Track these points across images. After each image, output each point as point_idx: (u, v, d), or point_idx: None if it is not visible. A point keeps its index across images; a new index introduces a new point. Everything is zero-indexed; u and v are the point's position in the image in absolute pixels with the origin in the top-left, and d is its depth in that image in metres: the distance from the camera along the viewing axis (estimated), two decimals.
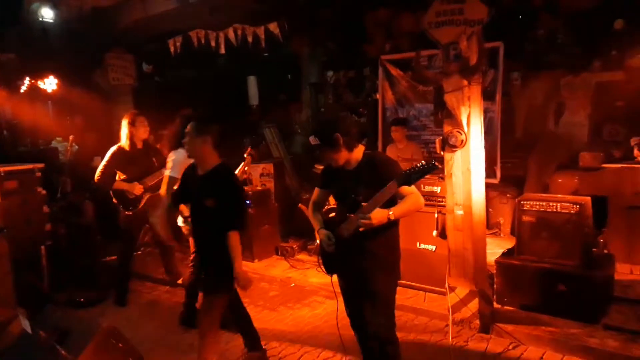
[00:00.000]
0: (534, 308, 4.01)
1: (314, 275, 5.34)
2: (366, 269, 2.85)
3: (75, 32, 5.62)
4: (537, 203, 4.12)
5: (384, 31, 7.24)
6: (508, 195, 6.26)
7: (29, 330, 3.88)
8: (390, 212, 2.68)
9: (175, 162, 4.10)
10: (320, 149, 2.86)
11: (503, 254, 4.39)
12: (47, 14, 4.36)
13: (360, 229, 2.71)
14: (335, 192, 3.11)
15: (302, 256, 6.00)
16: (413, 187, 2.75)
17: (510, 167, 6.20)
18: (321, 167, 6.61)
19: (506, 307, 4.15)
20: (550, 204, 4.05)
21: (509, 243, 4.97)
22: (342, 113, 6.65)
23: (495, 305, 4.13)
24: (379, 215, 2.66)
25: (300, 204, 6.19)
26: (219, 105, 8.63)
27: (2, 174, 4.75)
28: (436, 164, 2.68)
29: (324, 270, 3.12)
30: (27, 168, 5.05)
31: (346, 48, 8.02)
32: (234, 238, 2.99)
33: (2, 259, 4.22)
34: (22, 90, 7.10)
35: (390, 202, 2.72)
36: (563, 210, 3.99)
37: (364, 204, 2.72)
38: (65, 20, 4.46)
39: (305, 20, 6.91)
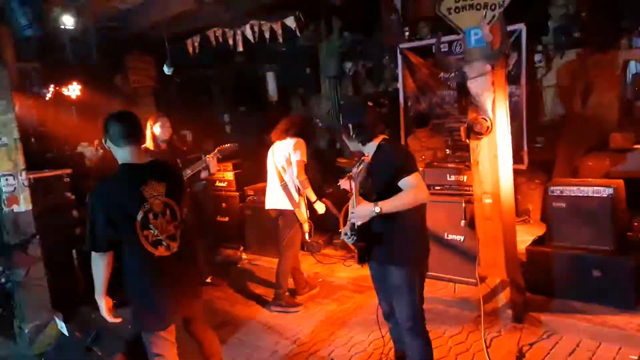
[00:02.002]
0: (568, 295, 3.92)
1: (341, 270, 5.32)
2: (386, 259, 2.85)
3: (96, 37, 5.69)
4: (567, 188, 4.00)
5: (400, 18, 7.15)
6: (536, 180, 6.12)
7: (65, 331, 3.98)
8: (377, 207, 2.62)
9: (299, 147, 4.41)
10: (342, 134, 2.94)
11: (534, 242, 4.30)
12: (68, 21, 4.40)
13: (357, 223, 2.71)
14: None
15: (329, 251, 5.98)
16: (415, 179, 2.64)
17: (537, 152, 6.05)
18: (343, 160, 6.62)
19: (539, 296, 4.07)
20: (581, 188, 3.93)
21: (539, 230, 4.86)
22: (361, 103, 6.59)
23: (528, 294, 4.05)
24: (361, 209, 2.66)
25: (323, 198, 6.18)
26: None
27: (32, 181, 4.84)
28: (365, 158, 2.81)
29: (357, 260, 3.06)
30: (56, 174, 5.15)
31: (363, 38, 7.95)
32: None
33: (37, 263, 4.33)
34: (47, 98, 7.24)
35: (394, 193, 2.67)
36: (595, 194, 3.87)
37: (351, 198, 2.74)
38: (85, 27, 4.50)
39: (320, 11, 6.86)
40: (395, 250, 2.80)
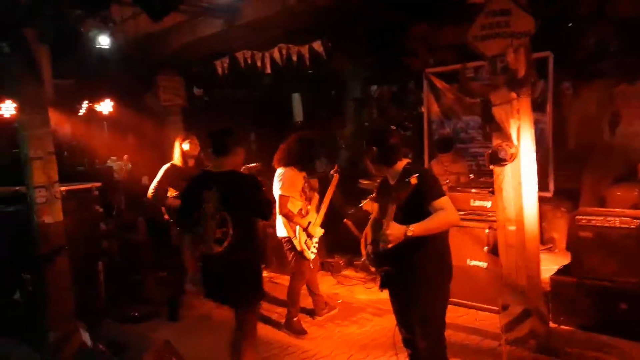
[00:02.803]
0: (593, 328, 3.83)
1: (362, 292, 5.30)
2: (411, 285, 2.81)
3: (129, 56, 5.90)
4: (594, 218, 3.95)
5: (426, 44, 7.22)
6: (562, 208, 6.03)
7: (88, 343, 4.04)
8: (410, 229, 2.61)
9: (284, 179, 4.33)
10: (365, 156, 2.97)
11: (558, 271, 4.23)
12: (103, 41, 4.58)
13: (384, 246, 2.67)
14: (379, 207, 3.11)
15: (349, 272, 5.97)
16: (445, 202, 2.68)
17: (563, 180, 5.97)
18: (366, 182, 6.65)
19: (563, 327, 3.98)
20: (609, 218, 3.87)
21: (564, 259, 4.77)
22: (386, 126, 6.64)
23: (551, 324, 3.97)
24: (394, 232, 2.61)
25: (345, 219, 6.19)
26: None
27: (63, 193, 4.99)
28: (413, 179, 2.59)
29: (377, 284, 3.07)
30: (86, 187, 5.29)
31: (389, 63, 8.03)
32: None
33: (63, 275, 4.44)
34: (80, 113, 7.50)
35: (423, 217, 2.66)
36: (623, 225, 3.80)
37: (383, 220, 2.69)
38: (119, 46, 4.69)
39: (347, 37, 6.97)
40: (421, 275, 2.79)
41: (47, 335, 4.35)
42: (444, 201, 2.66)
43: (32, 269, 4.71)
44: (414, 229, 2.60)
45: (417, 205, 2.65)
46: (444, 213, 2.65)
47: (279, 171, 4.48)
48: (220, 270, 3.28)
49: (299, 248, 4.44)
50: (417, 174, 2.60)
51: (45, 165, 4.30)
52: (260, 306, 3.70)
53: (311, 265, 4.58)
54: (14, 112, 7.22)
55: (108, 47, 4.73)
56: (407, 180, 2.60)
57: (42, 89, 4.27)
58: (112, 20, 3.55)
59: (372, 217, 3.20)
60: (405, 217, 2.66)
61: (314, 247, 4.54)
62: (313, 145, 4.58)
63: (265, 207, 3.33)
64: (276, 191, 4.43)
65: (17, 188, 4.81)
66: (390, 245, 2.65)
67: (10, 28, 3.95)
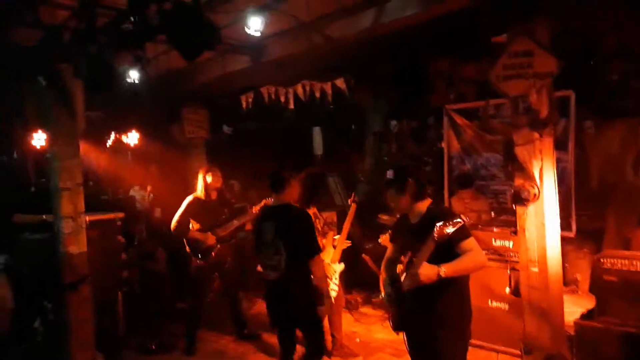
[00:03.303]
0: None
1: (380, 331, 5.23)
2: (431, 328, 2.76)
3: (157, 89, 6.07)
4: (619, 261, 3.85)
5: (447, 80, 7.28)
6: (585, 249, 5.92)
7: None
8: (443, 269, 2.58)
9: None
10: (389, 187, 2.89)
11: (583, 316, 4.11)
12: (133, 75, 4.75)
13: (411, 286, 2.64)
14: (399, 247, 3.07)
15: (367, 309, 5.90)
16: (474, 243, 2.67)
17: (586, 220, 5.86)
18: (385, 217, 6.63)
19: None
20: (634, 262, 3.79)
21: (587, 301, 4.65)
22: (413, 162, 6.62)
23: None
24: (427, 272, 2.57)
25: (363, 254, 6.15)
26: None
27: (87, 223, 5.09)
28: (462, 219, 2.59)
29: (391, 325, 3.05)
30: (110, 218, 5.38)
31: (409, 98, 8.11)
32: None
33: (85, 304, 4.49)
34: (108, 144, 7.70)
35: (449, 259, 2.64)
36: None
37: (414, 259, 2.66)
38: (148, 80, 4.85)
39: (369, 73, 7.09)
40: (444, 316, 2.75)
41: None
42: (471, 242, 2.66)
43: (54, 298, 4.77)
44: (446, 270, 2.58)
45: (444, 246, 2.61)
46: (473, 254, 2.65)
47: None
48: (280, 294, 3.59)
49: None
50: (458, 221, 2.55)
51: (72, 196, 4.41)
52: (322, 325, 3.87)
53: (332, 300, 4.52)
54: (44, 143, 7.46)
55: (137, 81, 4.87)
56: (451, 222, 2.55)
57: (75, 121, 4.42)
58: (145, 58, 3.68)
59: (386, 256, 3.18)
60: (430, 257, 2.64)
61: (334, 284, 4.44)
62: (318, 180, 4.69)
63: (310, 243, 3.52)
64: None
65: (44, 217, 4.93)
66: (420, 284, 2.60)
67: (48, 63, 4.13)
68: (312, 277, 3.51)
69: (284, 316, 3.67)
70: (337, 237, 4.65)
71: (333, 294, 4.40)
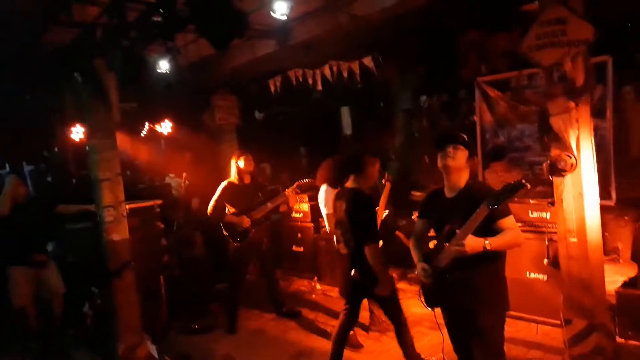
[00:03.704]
0: None
1: (416, 305, 5.21)
2: (469, 304, 2.78)
3: (187, 78, 6.16)
4: None
5: (477, 52, 7.12)
6: (626, 217, 5.77)
7: (155, 354, 4.25)
8: (487, 242, 2.60)
9: (327, 198, 4.47)
10: (462, 145, 2.84)
11: (624, 284, 4.05)
12: (164, 65, 4.84)
13: (454, 257, 2.66)
14: (434, 222, 3.07)
15: (403, 285, 5.94)
16: (513, 222, 2.70)
17: (626, 187, 5.70)
18: (417, 193, 6.60)
19: (631, 342, 3.81)
20: None
21: (629, 270, 4.56)
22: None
23: (618, 339, 3.81)
24: (473, 243, 2.59)
25: (397, 231, 6.17)
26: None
27: (128, 211, 5.27)
28: (524, 182, 2.56)
29: (424, 303, 3.08)
30: (149, 205, 5.54)
31: (439, 72, 7.97)
32: None
33: (129, 288, 4.67)
34: (142, 134, 7.89)
35: (489, 235, 2.66)
36: None
37: (458, 231, 2.67)
38: (179, 69, 4.93)
39: (397, 49, 6.99)
40: (484, 290, 2.76)
41: (115, 346, 4.59)
42: (512, 220, 2.69)
43: (100, 283, 4.98)
44: (490, 242, 2.61)
45: (483, 221, 2.62)
46: (515, 232, 2.69)
47: (322, 188, 4.58)
48: (349, 269, 3.81)
49: None
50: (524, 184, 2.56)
51: (112, 186, 4.56)
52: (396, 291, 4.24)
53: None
54: (82, 136, 7.71)
55: (168, 71, 4.96)
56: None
57: (111, 114, 4.55)
58: (175, 48, 3.75)
59: (414, 232, 3.19)
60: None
61: None
62: (349, 161, 4.59)
63: (366, 230, 3.66)
64: (322, 210, 4.49)
65: (85, 207, 5.12)
66: (464, 254, 2.62)
67: (83, 60, 4.26)
68: None
69: (350, 289, 3.95)
70: None
71: None
